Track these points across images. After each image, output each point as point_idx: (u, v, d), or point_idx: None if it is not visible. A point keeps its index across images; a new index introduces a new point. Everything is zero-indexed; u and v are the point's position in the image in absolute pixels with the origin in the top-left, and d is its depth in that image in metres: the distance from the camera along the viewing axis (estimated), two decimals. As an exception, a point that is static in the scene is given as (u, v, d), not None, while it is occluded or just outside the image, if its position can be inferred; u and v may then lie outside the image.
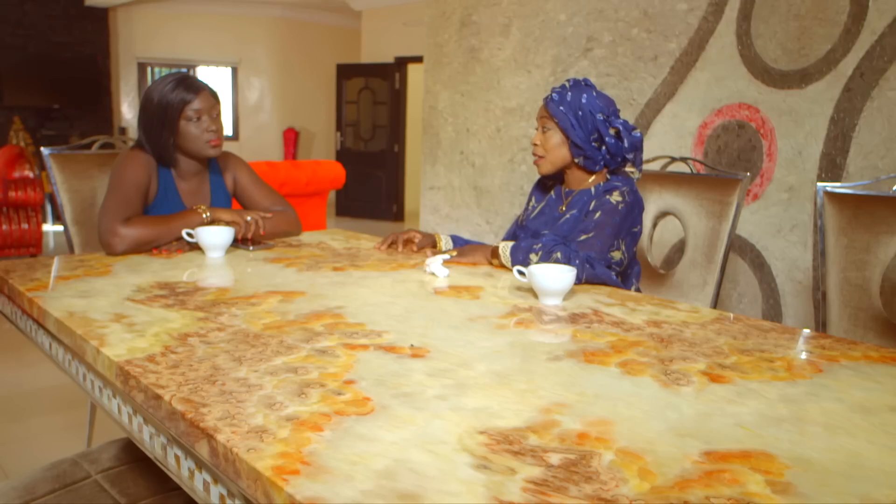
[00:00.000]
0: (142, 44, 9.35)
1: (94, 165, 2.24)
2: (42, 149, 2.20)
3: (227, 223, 1.91)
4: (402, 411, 0.86)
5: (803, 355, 1.18)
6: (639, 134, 1.81)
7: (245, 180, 2.17)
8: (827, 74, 2.42)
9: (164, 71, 9.68)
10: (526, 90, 3.39)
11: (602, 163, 1.82)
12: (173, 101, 1.92)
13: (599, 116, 1.77)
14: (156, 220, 1.87)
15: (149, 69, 9.52)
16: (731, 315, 1.40)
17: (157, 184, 1.99)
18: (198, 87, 1.95)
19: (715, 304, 2.01)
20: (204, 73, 9.76)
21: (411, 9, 8.14)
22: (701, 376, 1.03)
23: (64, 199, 2.18)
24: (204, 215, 1.90)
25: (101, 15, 8.81)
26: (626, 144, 1.78)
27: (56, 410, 2.82)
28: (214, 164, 2.13)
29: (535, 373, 1.02)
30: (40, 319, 1.32)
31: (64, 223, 2.20)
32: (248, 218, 1.94)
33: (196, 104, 1.93)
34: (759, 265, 2.66)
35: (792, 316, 2.59)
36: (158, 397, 0.89)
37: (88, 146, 2.32)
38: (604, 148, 1.80)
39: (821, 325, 1.77)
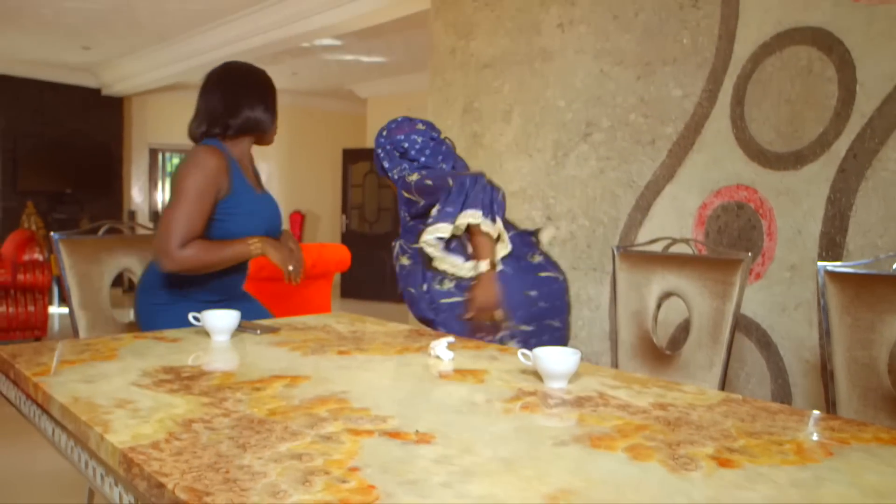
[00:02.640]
0: (153, 130, 9.63)
1: (102, 249, 2.28)
2: (52, 234, 2.25)
3: (274, 263, 2.00)
4: (407, 500, 0.85)
5: (814, 437, 1.17)
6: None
7: None
8: (821, 156, 2.49)
9: (175, 155, 9.92)
10: (528, 174, 3.47)
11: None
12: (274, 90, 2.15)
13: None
14: (209, 248, 1.92)
15: (160, 154, 9.77)
16: (740, 397, 1.39)
17: (230, 177, 2.02)
18: None
19: (723, 385, 1.99)
20: (213, 158, 9.98)
21: (415, 96, 8.42)
22: (709, 461, 1.01)
23: (72, 282, 2.20)
24: (253, 248, 1.97)
25: (117, 103, 9.12)
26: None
27: (52, 497, 2.76)
28: None
29: (541, 458, 1.01)
30: (45, 405, 1.32)
31: (70, 307, 2.22)
32: (291, 268, 2.02)
33: None
34: (766, 344, 2.65)
35: (802, 395, 2.56)
36: (161, 486, 0.89)
37: (95, 231, 2.36)
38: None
39: (831, 405, 1.75)
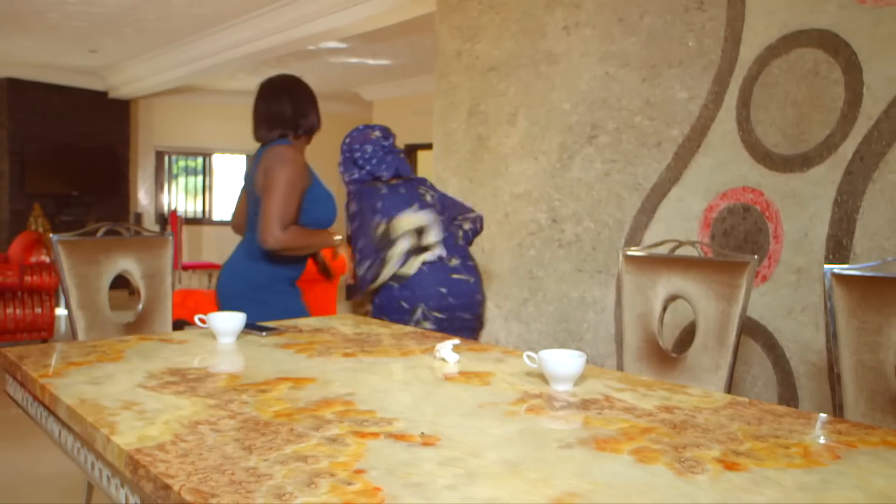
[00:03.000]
0: (160, 133, 9.67)
1: (100, 251, 2.29)
2: (51, 235, 2.25)
3: (344, 258, 2.46)
4: (412, 502, 0.85)
5: (820, 440, 1.16)
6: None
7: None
8: (827, 158, 2.48)
9: (181, 158, 9.95)
10: (533, 176, 3.47)
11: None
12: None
13: None
14: (304, 232, 2.27)
15: (166, 157, 9.81)
16: (746, 399, 1.39)
17: (309, 170, 2.33)
18: None
19: (729, 388, 1.99)
20: (219, 161, 10.04)
21: (420, 99, 8.43)
22: (715, 464, 1.01)
23: (70, 284, 2.21)
24: (334, 239, 2.41)
25: (123, 106, 9.16)
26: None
27: (56, 500, 2.76)
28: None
29: (547, 461, 1.01)
30: (51, 406, 1.32)
31: (69, 308, 2.22)
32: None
33: None
34: (772, 347, 2.64)
35: (808, 399, 2.55)
36: (167, 487, 0.89)
37: (94, 232, 2.37)
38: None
39: (837, 409, 1.74)
